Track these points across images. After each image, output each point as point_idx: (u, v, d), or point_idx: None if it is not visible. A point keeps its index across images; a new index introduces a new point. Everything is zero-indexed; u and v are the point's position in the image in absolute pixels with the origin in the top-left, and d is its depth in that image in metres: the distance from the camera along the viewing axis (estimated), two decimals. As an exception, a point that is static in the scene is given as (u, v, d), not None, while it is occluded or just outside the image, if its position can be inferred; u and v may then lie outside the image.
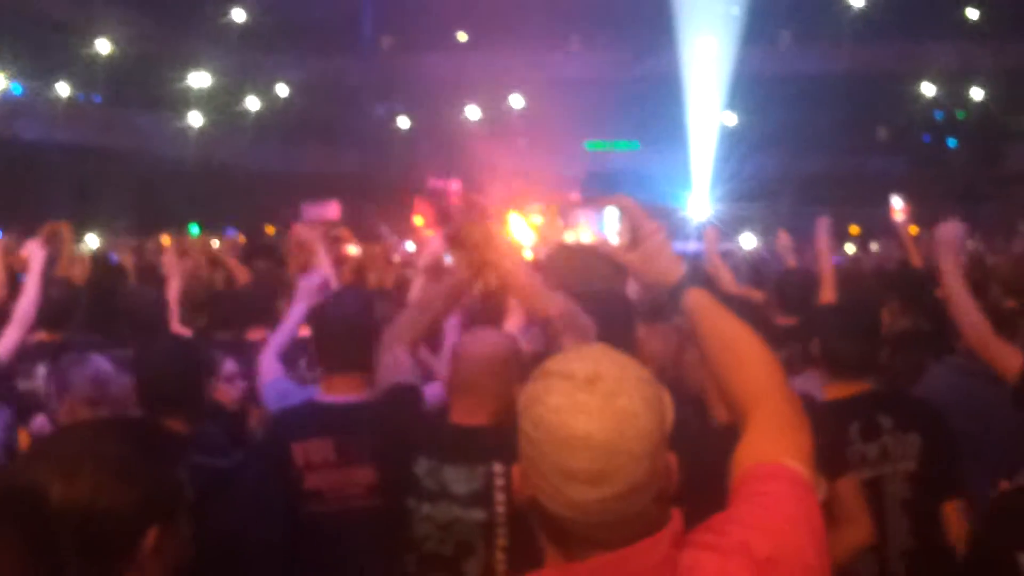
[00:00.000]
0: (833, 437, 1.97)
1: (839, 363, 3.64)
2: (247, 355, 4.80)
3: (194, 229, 12.46)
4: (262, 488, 3.30)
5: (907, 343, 5.43)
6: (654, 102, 27.45)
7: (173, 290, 5.85)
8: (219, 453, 3.12)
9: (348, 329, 3.56)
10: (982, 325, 3.76)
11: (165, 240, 11.68)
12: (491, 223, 3.85)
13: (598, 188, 22.41)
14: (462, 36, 31.47)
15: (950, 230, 3.98)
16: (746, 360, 1.96)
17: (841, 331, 3.66)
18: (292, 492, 3.46)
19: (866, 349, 3.67)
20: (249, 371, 4.60)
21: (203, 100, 26.21)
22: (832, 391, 3.64)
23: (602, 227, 1.91)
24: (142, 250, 11.21)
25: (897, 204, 7.50)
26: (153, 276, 7.88)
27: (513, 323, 4.15)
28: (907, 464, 3.48)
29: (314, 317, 4.06)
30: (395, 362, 3.16)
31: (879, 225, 17.36)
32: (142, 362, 3.40)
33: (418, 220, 17.67)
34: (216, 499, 2.30)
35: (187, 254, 8.26)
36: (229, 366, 4.54)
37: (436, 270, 5.22)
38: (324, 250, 5.86)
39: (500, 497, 2.80)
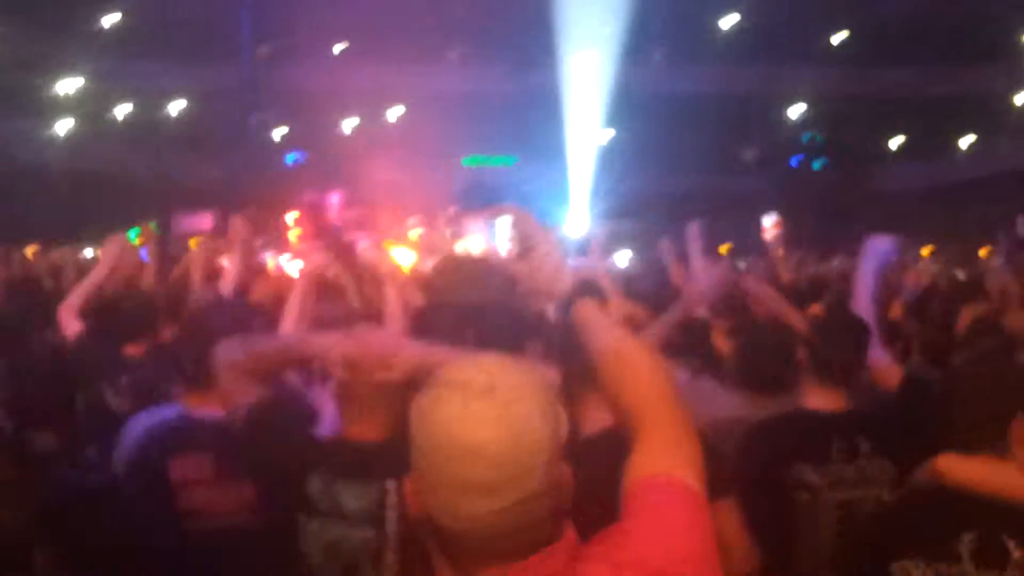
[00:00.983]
0: (713, 458, 1.97)
1: (824, 371, 3.67)
2: (126, 370, 4.64)
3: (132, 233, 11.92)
4: (140, 506, 3.19)
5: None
6: (532, 117, 27.63)
7: (97, 277, 5.48)
8: (94, 469, 3.00)
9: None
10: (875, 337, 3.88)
11: (29, 250, 11.27)
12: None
13: (476, 202, 22.45)
14: (339, 46, 31.18)
15: (881, 242, 4.13)
16: (636, 371, 1.96)
17: (830, 338, 3.71)
18: (170, 509, 3.36)
19: (852, 358, 3.72)
20: (131, 387, 4.45)
21: (72, 106, 25.40)
22: (816, 399, 3.68)
23: (493, 237, 1.89)
24: (9, 259, 10.81)
25: (768, 222, 7.69)
26: (22, 285, 7.60)
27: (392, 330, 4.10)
28: (879, 490, 3.51)
29: (188, 328, 3.95)
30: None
31: (748, 244, 17.80)
32: (10, 375, 3.26)
33: (294, 233, 17.38)
34: (88, 517, 2.21)
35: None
36: None
37: (315, 284, 5.15)
38: (241, 255, 5.63)
39: (392, 515, 2.72)
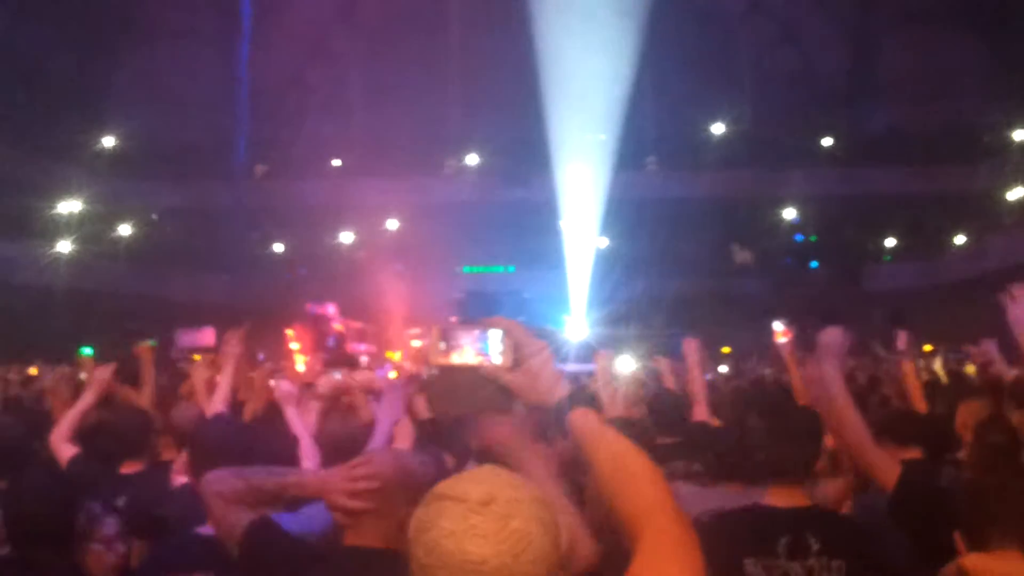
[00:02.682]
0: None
1: (780, 468, 3.61)
2: (123, 489, 4.61)
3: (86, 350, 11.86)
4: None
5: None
6: (529, 226, 27.94)
7: (84, 404, 5.46)
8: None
9: (224, 459, 3.45)
10: (863, 431, 3.79)
11: (33, 370, 11.28)
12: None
13: (475, 311, 22.51)
14: (336, 162, 31.64)
15: (833, 336, 4.09)
16: (634, 479, 1.95)
17: (784, 435, 3.63)
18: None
19: (808, 454, 3.66)
20: (128, 506, 4.41)
21: (73, 227, 25.65)
22: (773, 496, 3.61)
23: (485, 348, 1.90)
24: (7, 380, 10.83)
25: (779, 327, 7.62)
26: (18, 406, 7.58)
27: (402, 444, 4.10)
28: None
29: (190, 446, 3.94)
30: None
31: (748, 345, 17.82)
32: (11, 496, 3.24)
33: (295, 346, 17.42)
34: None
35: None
36: (109, 527, 3.91)
37: (330, 397, 5.15)
38: (232, 371, 5.56)
39: None
